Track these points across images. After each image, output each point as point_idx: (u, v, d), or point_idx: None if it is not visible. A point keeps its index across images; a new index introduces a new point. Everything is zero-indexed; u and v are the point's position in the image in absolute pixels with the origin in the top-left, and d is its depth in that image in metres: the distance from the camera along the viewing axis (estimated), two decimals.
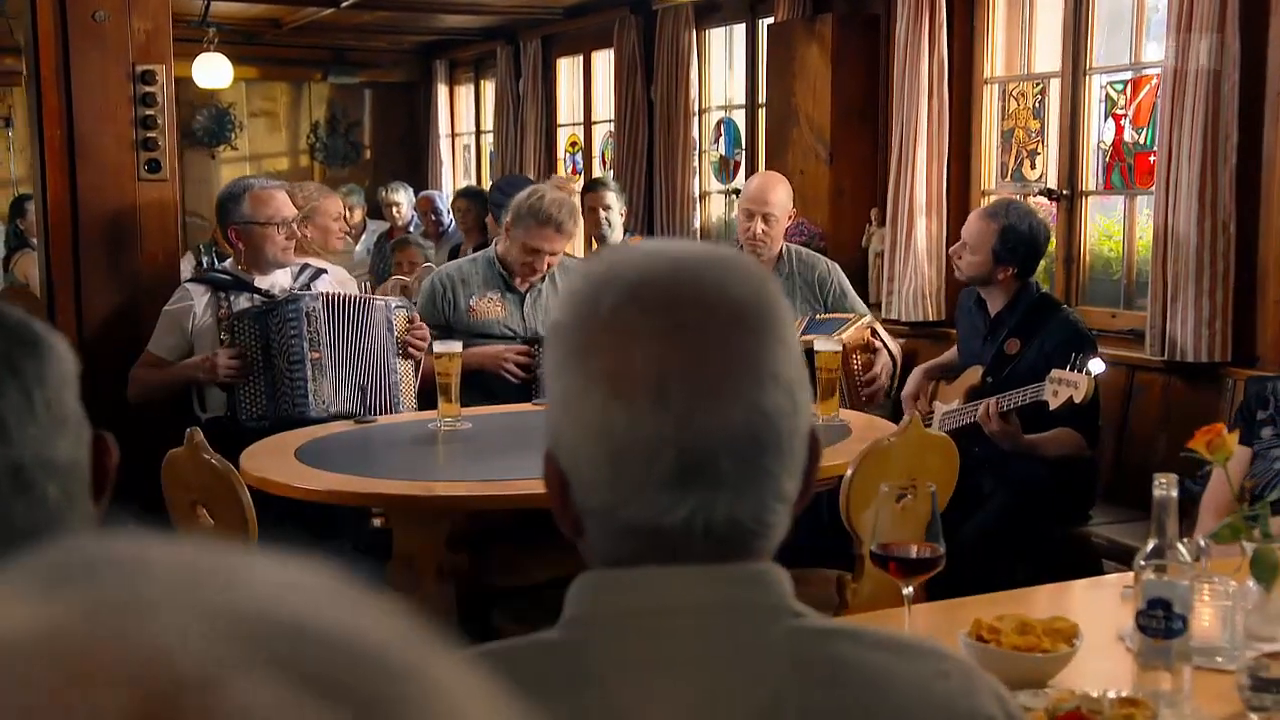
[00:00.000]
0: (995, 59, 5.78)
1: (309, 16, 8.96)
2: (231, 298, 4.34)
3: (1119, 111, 5.24)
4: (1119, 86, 5.24)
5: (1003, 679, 1.93)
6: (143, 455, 3.26)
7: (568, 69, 9.30)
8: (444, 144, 10.94)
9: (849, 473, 3.13)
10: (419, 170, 10.90)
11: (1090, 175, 5.35)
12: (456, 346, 4.01)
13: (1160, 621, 1.78)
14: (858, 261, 6.09)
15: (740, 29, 7.40)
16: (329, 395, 4.22)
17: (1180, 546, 1.81)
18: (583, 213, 6.80)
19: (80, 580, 0.41)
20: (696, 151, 7.58)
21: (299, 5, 8.74)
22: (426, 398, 4.26)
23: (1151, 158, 4.86)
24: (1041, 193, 5.49)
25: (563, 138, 9.34)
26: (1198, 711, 1.80)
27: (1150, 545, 1.82)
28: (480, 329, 4.59)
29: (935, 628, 2.13)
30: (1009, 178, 5.76)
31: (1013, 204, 4.57)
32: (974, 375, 4.42)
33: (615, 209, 6.59)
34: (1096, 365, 3.93)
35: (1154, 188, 4.63)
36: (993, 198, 5.52)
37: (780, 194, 4.95)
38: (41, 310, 4.66)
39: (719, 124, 7.70)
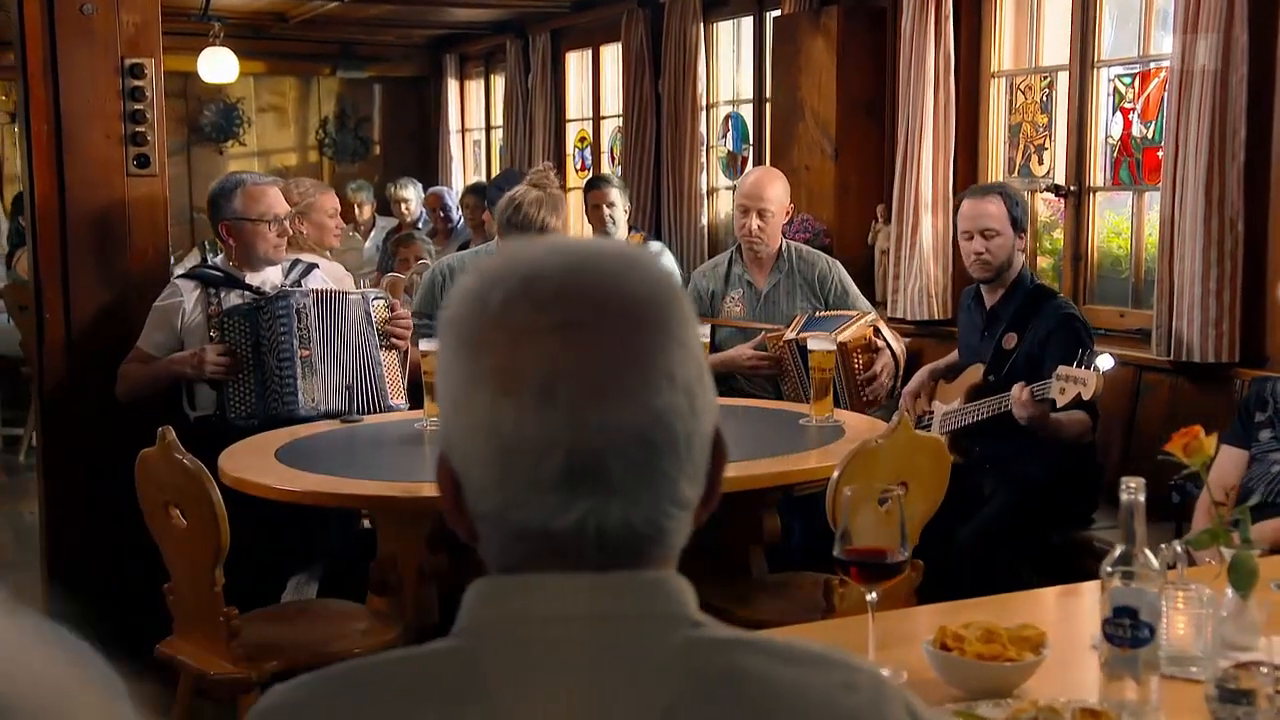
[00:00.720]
0: (1003, 52, 5.69)
1: (315, 10, 8.92)
2: (222, 294, 4.29)
3: (1127, 105, 5.16)
4: (1127, 80, 5.16)
5: (966, 689, 1.89)
6: (133, 454, 3.22)
7: (576, 63, 9.25)
8: (454, 140, 10.90)
9: (835, 475, 3.07)
10: (429, 166, 10.86)
11: (1098, 171, 5.26)
12: None
13: (1126, 630, 1.72)
14: (864, 259, 6.01)
15: (748, 22, 7.33)
16: (318, 394, 4.17)
17: (1148, 553, 1.74)
18: (586, 210, 6.76)
19: None
20: (704, 147, 7.51)
21: None
22: (419, 394, 4.21)
23: (1159, 153, 4.77)
24: (1048, 188, 5.40)
25: (571, 133, 9.28)
26: None
27: (1118, 551, 1.75)
28: None
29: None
30: (1016, 173, 5.67)
31: (988, 184, 4.64)
32: (975, 374, 4.35)
33: (619, 206, 6.54)
34: (1105, 361, 3.85)
35: (1160, 184, 4.54)
36: None
37: (777, 189, 4.88)
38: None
39: (726, 119, 7.63)
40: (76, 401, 4.46)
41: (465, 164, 10.98)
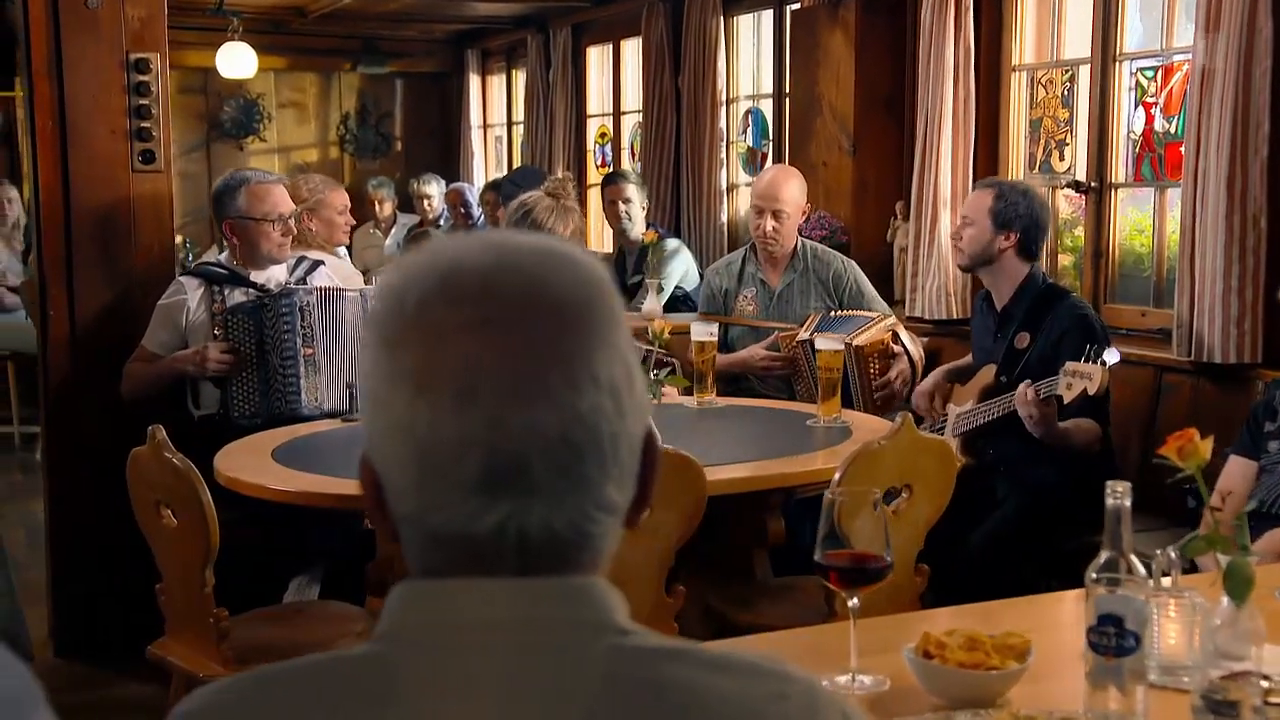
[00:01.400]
0: (1024, 45, 5.60)
1: (334, 4, 8.89)
2: (226, 292, 4.26)
3: (1149, 99, 5.06)
4: (1149, 74, 5.06)
5: (948, 697, 1.82)
6: None
7: (597, 58, 9.21)
8: (475, 135, 10.87)
9: (837, 476, 3.01)
10: (450, 162, 10.83)
11: (1120, 166, 5.17)
12: None
13: (1111, 638, 1.66)
14: (882, 257, 5.93)
15: (768, 15, 7.26)
16: (322, 392, 4.15)
17: (1134, 559, 1.67)
18: (603, 206, 6.71)
19: None
20: (724, 143, 7.43)
21: None
22: None
23: (1182, 148, 4.67)
24: (1069, 185, 5.31)
25: (592, 128, 9.23)
26: None
27: (1103, 558, 1.69)
28: None
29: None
30: (1037, 169, 5.58)
31: (1006, 180, 4.45)
32: (987, 375, 4.27)
33: (636, 202, 6.49)
34: (1111, 355, 3.76)
35: (1181, 179, 4.45)
36: None
37: (792, 189, 4.81)
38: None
39: (746, 114, 7.55)
40: (81, 399, 4.44)
41: (487, 160, 10.95)
